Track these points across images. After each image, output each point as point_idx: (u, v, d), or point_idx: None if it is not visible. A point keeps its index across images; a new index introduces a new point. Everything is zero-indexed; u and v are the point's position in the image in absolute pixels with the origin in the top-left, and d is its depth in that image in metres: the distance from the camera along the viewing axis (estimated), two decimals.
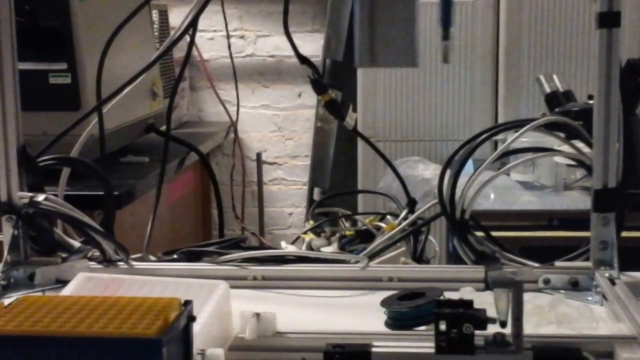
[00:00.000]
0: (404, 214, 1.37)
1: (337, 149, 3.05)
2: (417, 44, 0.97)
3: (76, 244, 1.25)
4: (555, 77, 2.19)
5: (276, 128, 3.36)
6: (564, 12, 2.69)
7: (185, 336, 0.78)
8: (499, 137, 1.31)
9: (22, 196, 1.20)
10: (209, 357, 0.83)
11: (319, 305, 1.13)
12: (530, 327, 0.95)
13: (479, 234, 1.23)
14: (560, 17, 2.69)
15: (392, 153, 2.72)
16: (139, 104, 2.25)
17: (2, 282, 1.16)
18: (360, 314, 1.08)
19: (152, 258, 1.27)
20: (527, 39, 2.71)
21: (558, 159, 2.05)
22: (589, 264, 1.14)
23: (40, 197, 1.18)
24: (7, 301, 0.81)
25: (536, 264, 1.16)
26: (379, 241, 1.26)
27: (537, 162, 2.16)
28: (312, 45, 3.06)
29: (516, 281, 0.84)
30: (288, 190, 3.39)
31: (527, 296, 0.90)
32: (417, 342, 0.90)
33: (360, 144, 2.82)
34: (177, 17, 2.90)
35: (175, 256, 1.26)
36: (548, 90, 2.17)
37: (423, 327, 0.97)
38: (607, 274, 1.11)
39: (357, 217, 1.51)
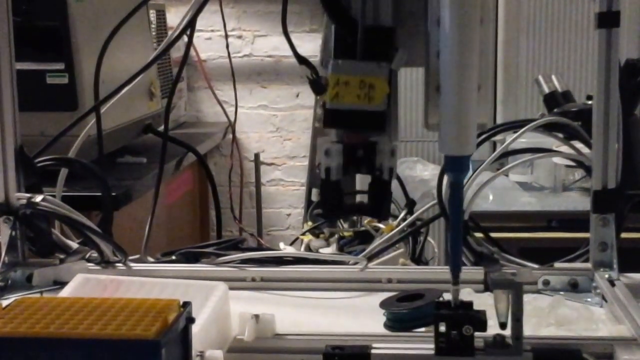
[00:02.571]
0: (402, 214, 1.37)
1: None
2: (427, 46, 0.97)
3: (74, 245, 1.24)
4: (553, 77, 2.19)
5: (274, 128, 3.35)
6: (563, 12, 2.69)
7: (184, 338, 0.78)
8: (498, 137, 1.30)
9: (19, 197, 1.19)
10: (208, 358, 0.83)
11: (318, 306, 1.12)
12: (529, 329, 0.95)
13: (478, 235, 1.23)
14: (559, 17, 2.70)
15: None
16: (136, 105, 2.24)
17: (0, 283, 1.15)
18: (359, 316, 1.07)
19: (150, 259, 1.26)
20: (526, 39, 2.71)
21: (557, 159, 2.05)
22: (588, 265, 1.14)
23: (38, 198, 1.18)
24: (5, 303, 0.80)
25: (535, 265, 1.16)
26: (377, 242, 1.26)
27: (535, 162, 2.16)
28: (311, 45, 3.06)
29: (516, 282, 0.84)
30: (286, 191, 3.38)
31: (526, 297, 0.89)
32: (417, 343, 0.90)
33: None
34: (175, 17, 2.89)
35: (173, 257, 1.25)
36: (547, 90, 2.17)
37: (422, 329, 0.97)
38: (606, 275, 1.11)
39: (355, 218, 1.50)
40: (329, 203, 0.97)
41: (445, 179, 1.20)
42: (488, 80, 0.87)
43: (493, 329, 0.84)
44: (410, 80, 2.70)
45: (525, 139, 1.23)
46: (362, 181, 1.01)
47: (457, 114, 0.84)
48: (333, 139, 0.95)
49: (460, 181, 0.88)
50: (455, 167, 0.86)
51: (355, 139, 0.95)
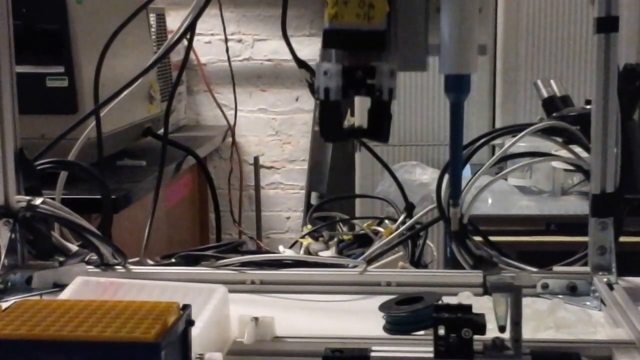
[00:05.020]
0: (402, 218, 1.37)
1: (335, 153, 3.05)
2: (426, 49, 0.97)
3: (74, 247, 1.24)
4: (552, 81, 2.20)
5: (274, 132, 3.36)
6: (562, 16, 2.70)
7: (184, 340, 0.78)
8: (497, 141, 1.30)
9: (19, 199, 1.19)
10: None
11: (318, 309, 1.13)
12: (528, 332, 0.95)
13: (477, 238, 1.23)
14: (558, 22, 2.70)
15: (390, 157, 2.72)
16: (136, 108, 2.25)
17: None
18: (358, 319, 1.07)
19: (150, 262, 1.27)
20: (525, 43, 2.71)
21: (556, 163, 2.05)
22: (587, 268, 1.14)
23: (38, 201, 1.18)
24: (4, 305, 0.80)
25: (534, 269, 1.16)
26: (377, 245, 1.26)
27: (534, 166, 2.16)
28: (310, 49, 3.06)
29: (515, 286, 0.84)
30: (285, 194, 3.39)
31: (525, 301, 0.90)
32: (416, 346, 0.90)
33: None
34: (175, 21, 2.90)
35: (173, 260, 1.26)
36: (545, 95, 2.17)
37: (422, 332, 0.97)
38: (605, 279, 1.11)
39: (355, 221, 1.51)
40: (328, 124, 0.96)
41: (445, 182, 1.20)
42: (489, 2, 0.87)
43: (492, 332, 0.85)
44: (410, 85, 2.70)
45: (524, 143, 1.23)
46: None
47: (458, 32, 0.84)
48: (332, 61, 0.93)
49: (461, 101, 0.87)
50: (456, 86, 0.86)
51: (354, 61, 0.93)
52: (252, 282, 1.18)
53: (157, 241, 2.09)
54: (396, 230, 1.32)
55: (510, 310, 0.84)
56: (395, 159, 2.70)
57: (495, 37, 2.73)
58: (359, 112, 1.00)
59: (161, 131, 2.02)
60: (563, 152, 1.25)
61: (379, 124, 0.96)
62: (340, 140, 1.12)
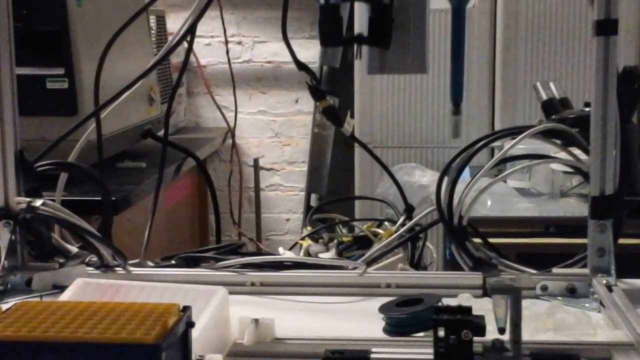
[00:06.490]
0: (401, 220, 1.37)
1: (334, 155, 3.05)
2: (426, 51, 0.97)
3: (74, 249, 1.24)
4: (551, 84, 2.20)
5: (273, 134, 3.36)
6: (561, 19, 2.70)
7: (184, 342, 0.78)
8: (496, 144, 1.31)
9: (19, 201, 1.20)
10: None
11: (317, 311, 1.13)
12: (527, 334, 0.95)
13: (477, 240, 1.23)
14: (557, 24, 2.70)
15: (389, 159, 2.73)
16: (136, 110, 2.25)
17: None
18: (358, 320, 1.08)
19: (150, 263, 1.27)
20: (524, 46, 2.72)
21: (555, 165, 2.06)
22: (586, 270, 1.14)
23: (38, 202, 1.18)
24: (4, 306, 0.80)
25: (533, 271, 1.17)
26: (376, 247, 1.26)
27: (533, 169, 2.16)
28: (310, 51, 3.06)
29: (515, 288, 0.84)
30: (285, 196, 3.39)
31: (524, 303, 0.90)
32: (416, 348, 0.90)
33: (358, 150, 2.82)
34: (175, 23, 2.90)
35: (173, 262, 1.26)
36: (544, 97, 2.17)
37: (421, 334, 0.97)
38: (604, 281, 1.11)
39: (354, 223, 1.51)
40: (327, 29, 0.95)
41: (444, 184, 1.20)
42: None
43: (492, 334, 0.85)
44: (410, 87, 2.71)
45: (524, 145, 1.23)
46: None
47: None
48: None
49: (462, 6, 0.87)
50: None
51: None
52: (252, 284, 1.18)
53: (157, 243, 2.09)
54: (396, 232, 1.32)
55: (510, 312, 0.84)
56: (394, 161, 2.71)
57: (495, 39, 2.73)
58: (359, 20, 0.98)
59: (161, 133, 2.02)
60: (562, 155, 1.26)
61: (381, 29, 0.95)
62: (339, 45, 1.08)
